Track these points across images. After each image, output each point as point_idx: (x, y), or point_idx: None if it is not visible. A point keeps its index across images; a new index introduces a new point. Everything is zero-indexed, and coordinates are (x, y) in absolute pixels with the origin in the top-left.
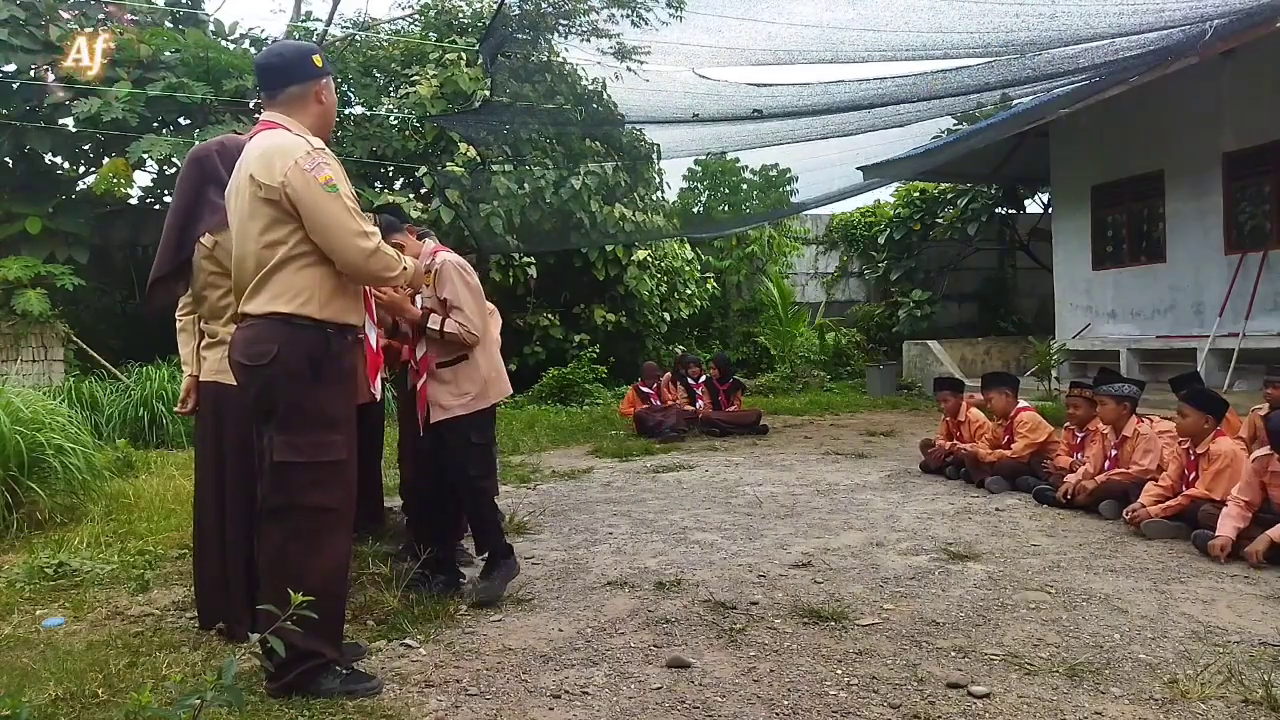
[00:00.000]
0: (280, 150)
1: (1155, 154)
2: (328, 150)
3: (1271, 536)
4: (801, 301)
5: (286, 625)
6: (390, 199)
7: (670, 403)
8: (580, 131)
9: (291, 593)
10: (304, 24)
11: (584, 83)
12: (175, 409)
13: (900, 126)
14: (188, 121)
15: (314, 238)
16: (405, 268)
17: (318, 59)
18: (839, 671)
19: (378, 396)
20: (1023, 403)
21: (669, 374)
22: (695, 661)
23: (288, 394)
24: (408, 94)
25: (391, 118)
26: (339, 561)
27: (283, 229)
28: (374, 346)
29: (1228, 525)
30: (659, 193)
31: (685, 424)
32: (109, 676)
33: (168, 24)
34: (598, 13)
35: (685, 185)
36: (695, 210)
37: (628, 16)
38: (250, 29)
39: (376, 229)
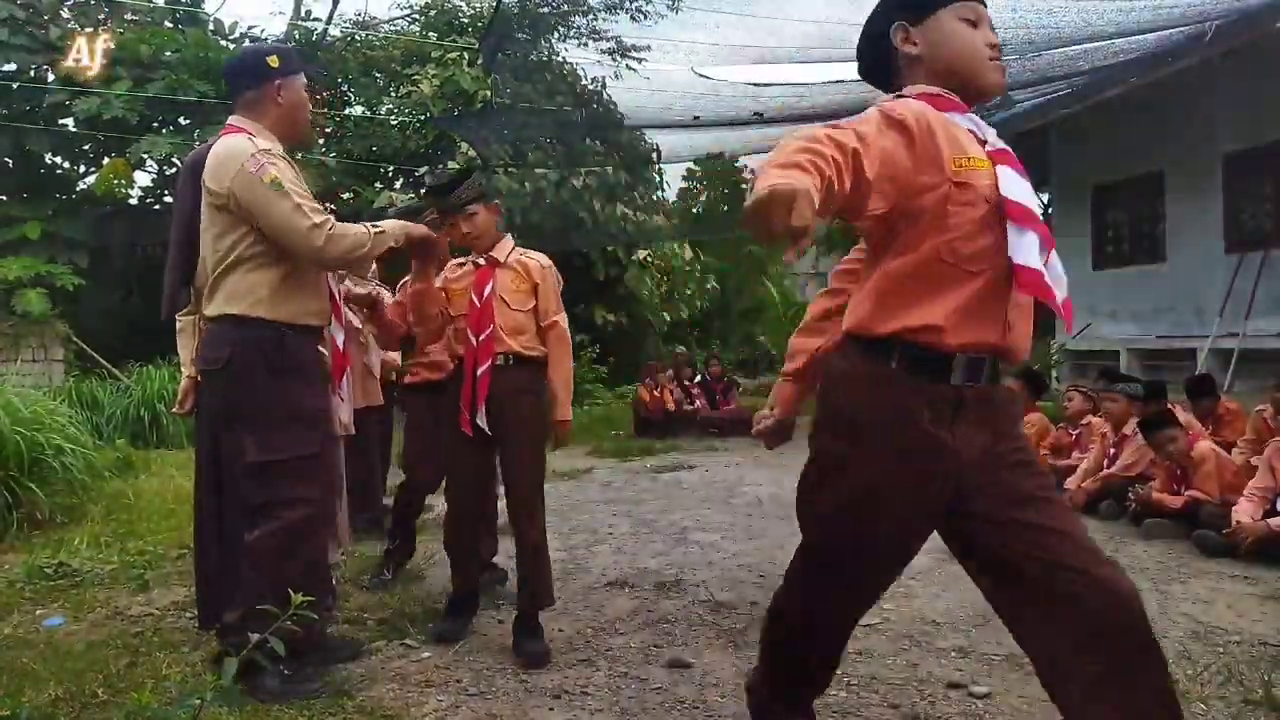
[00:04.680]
0: (228, 156)
1: (1155, 154)
2: (274, 150)
3: (1271, 526)
4: (801, 301)
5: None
6: (391, 198)
7: (670, 402)
8: (581, 133)
9: (291, 593)
10: (304, 23)
11: (584, 82)
12: (173, 410)
13: None
14: (188, 121)
15: (271, 238)
16: (378, 231)
17: (273, 59)
18: (839, 671)
19: (344, 397)
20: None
21: (672, 371)
22: (695, 661)
23: (251, 395)
24: (409, 93)
25: (392, 118)
26: (316, 557)
27: (234, 233)
28: (340, 347)
29: (1244, 517)
30: (659, 192)
31: (682, 424)
32: (109, 676)
33: (167, 24)
34: (595, 14)
35: (685, 185)
36: (695, 211)
37: (626, 11)
38: (250, 28)
39: (329, 216)
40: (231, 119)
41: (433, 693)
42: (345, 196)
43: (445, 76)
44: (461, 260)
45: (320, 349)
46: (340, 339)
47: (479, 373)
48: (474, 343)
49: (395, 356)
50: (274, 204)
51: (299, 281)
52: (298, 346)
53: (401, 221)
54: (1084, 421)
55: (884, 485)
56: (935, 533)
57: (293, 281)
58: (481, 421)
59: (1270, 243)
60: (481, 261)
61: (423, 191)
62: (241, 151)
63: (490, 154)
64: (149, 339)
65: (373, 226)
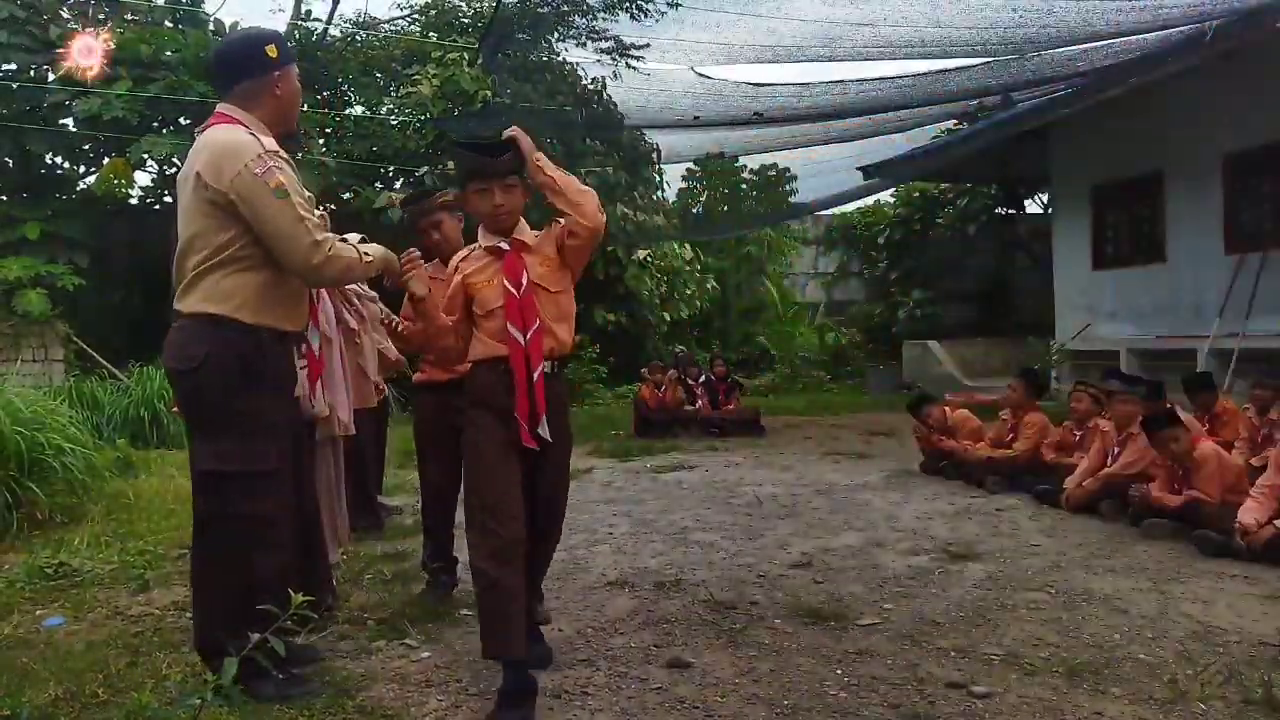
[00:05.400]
0: (230, 152)
1: (1155, 154)
2: (280, 152)
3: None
4: (801, 301)
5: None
6: (391, 198)
7: (672, 401)
8: (580, 133)
9: (292, 594)
10: (303, 23)
11: (584, 82)
12: (173, 409)
13: (901, 131)
14: (188, 121)
15: (264, 243)
16: (368, 259)
17: (272, 49)
18: (839, 671)
19: (315, 400)
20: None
21: (673, 371)
22: (695, 661)
23: (217, 400)
24: (409, 94)
25: (392, 119)
26: (272, 571)
27: (226, 231)
28: (316, 353)
29: (1248, 516)
30: (659, 192)
31: (683, 423)
32: (109, 676)
33: (168, 24)
34: (594, 14)
35: (685, 185)
36: (695, 211)
37: (626, 9)
38: (251, 28)
39: (329, 233)
40: (222, 107)
41: (433, 693)
42: (345, 196)
43: (445, 77)
44: (473, 249)
45: (297, 355)
46: (316, 345)
47: (535, 376)
48: (521, 341)
49: (397, 353)
50: (278, 213)
51: (282, 286)
52: (276, 353)
53: (386, 252)
54: (1090, 424)
55: None
56: (931, 532)
57: (276, 286)
58: (544, 431)
59: (1270, 243)
60: (505, 245)
61: (461, 144)
62: (245, 149)
63: None
64: (149, 339)
65: (363, 251)
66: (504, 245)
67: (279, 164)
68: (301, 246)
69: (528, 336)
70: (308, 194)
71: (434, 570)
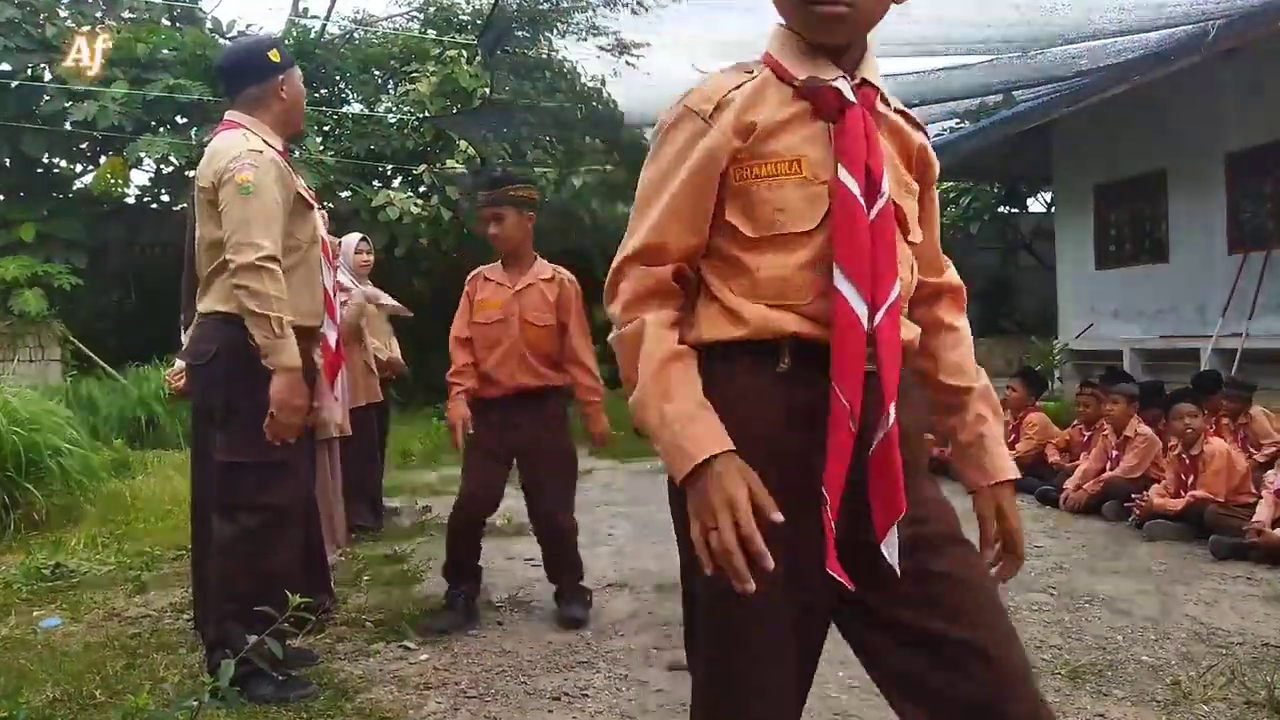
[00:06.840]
0: (218, 154)
1: (1158, 153)
2: (267, 153)
3: None
4: None
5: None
6: (390, 197)
7: None
8: (580, 131)
9: (290, 595)
10: (301, 20)
11: (583, 79)
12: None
13: None
14: (185, 120)
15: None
16: (281, 336)
17: (274, 54)
18: (840, 674)
19: (339, 397)
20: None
21: None
22: None
23: (228, 394)
24: (407, 92)
25: (390, 117)
26: (286, 562)
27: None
28: (332, 346)
29: (1264, 513)
30: None
31: None
32: (106, 678)
33: (165, 22)
34: (594, 10)
35: None
36: None
37: (627, 5)
38: (249, 26)
39: (273, 253)
40: (230, 114)
41: (431, 695)
42: (344, 195)
43: (444, 74)
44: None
45: (313, 349)
46: (333, 338)
47: (889, 411)
48: (861, 313)
49: (398, 356)
50: (234, 207)
51: (292, 281)
52: None
53: (297, 371)
54: (1098, 425)
55: None
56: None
57: (286, 281)
58: (892, 552)
59: (1273, 242)
60: (845, 88)
61: None
62: (233, 149)
63: (489, 152)
64: (146, 339)
65: (282, 333)
66: (842, 86)
67: (256, 161)
68: (235, 240)
69: (880, 309)
70: (310, 192)
71: (453, 581)
